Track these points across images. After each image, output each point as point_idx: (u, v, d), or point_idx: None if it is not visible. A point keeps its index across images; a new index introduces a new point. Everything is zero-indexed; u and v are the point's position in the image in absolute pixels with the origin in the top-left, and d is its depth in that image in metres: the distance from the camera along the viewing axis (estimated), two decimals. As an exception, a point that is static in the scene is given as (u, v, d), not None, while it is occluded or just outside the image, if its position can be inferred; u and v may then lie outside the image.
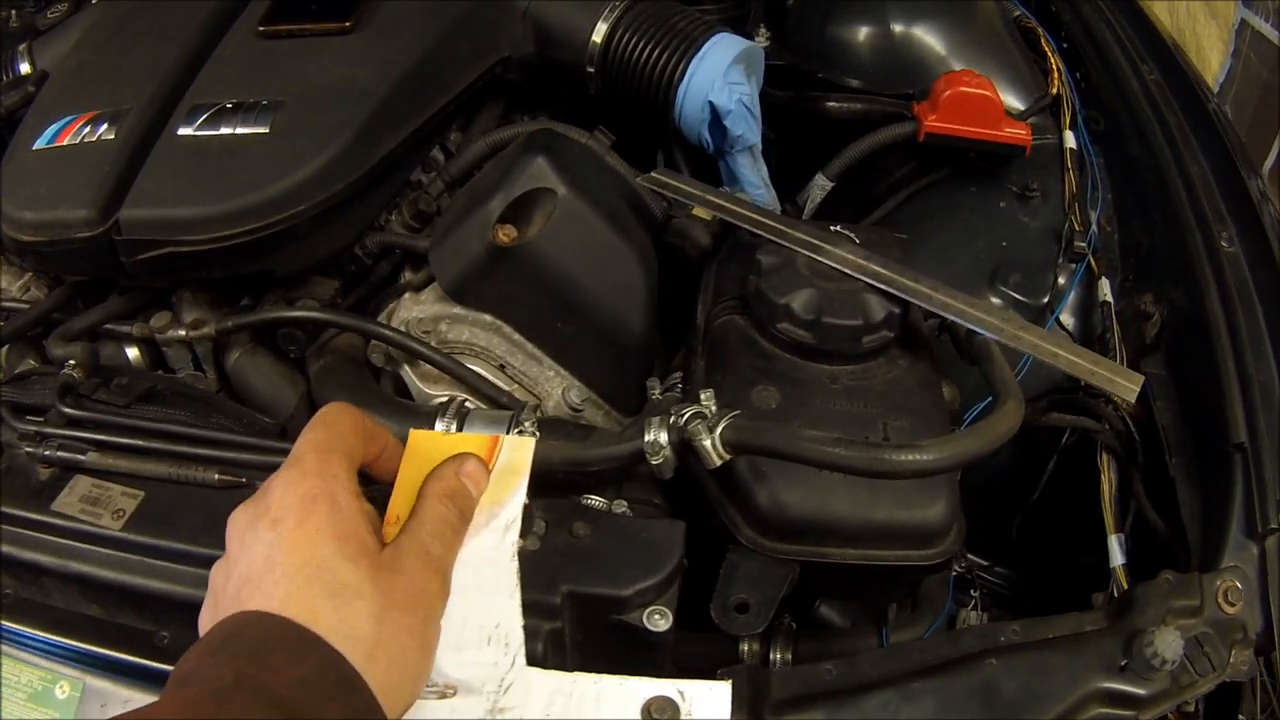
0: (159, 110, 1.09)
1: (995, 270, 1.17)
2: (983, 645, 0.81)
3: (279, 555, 0.65)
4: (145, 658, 0.83)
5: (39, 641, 0.85)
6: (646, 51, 1.16)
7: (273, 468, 0.81)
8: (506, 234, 1.00)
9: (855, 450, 0.77)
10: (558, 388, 1.05)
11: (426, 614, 0.69)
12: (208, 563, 0.80)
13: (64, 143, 1.10)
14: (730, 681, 0.72)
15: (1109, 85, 1.30)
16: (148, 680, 0.82)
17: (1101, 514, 1.01)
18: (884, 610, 1.04)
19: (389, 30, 1.13)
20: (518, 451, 0.81)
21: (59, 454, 0.92)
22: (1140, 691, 0.79)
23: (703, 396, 0.85)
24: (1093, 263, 1.17)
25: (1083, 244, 1.16)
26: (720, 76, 1.13)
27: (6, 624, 0.86)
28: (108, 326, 1.11)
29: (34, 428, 0.93)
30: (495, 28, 1.20)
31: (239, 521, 0.69)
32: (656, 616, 0.77)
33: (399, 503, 0.78)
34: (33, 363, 1.16)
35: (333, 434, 0.71)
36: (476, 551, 0.76)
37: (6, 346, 1.16)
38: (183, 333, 1.08)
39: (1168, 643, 0.79)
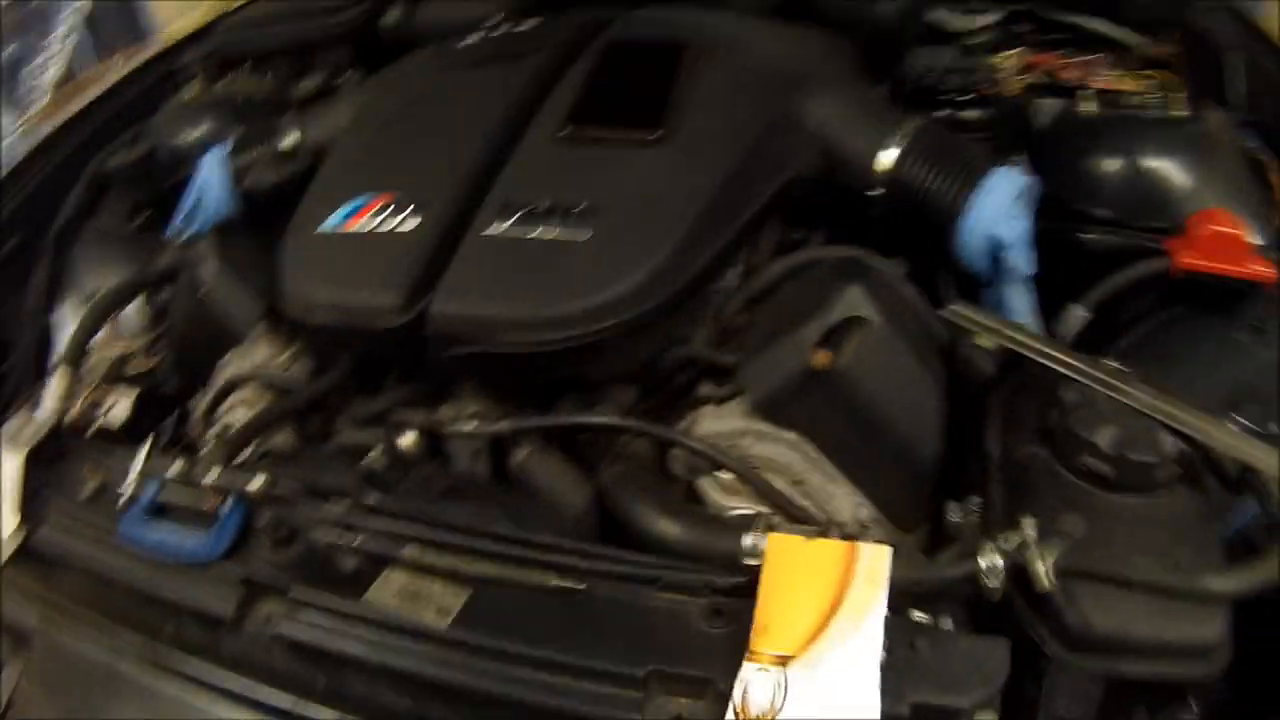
0: (462, 203, 1.17)
1: (1232, 401, 1.25)
2: None
3: None
4: None
5: None
6: (934, 180, 1.28)
7: (603, 574, 0.93)
8: (823, 359, 1.11)
9: (1173, 576, 0.92)
10: (849, 505, 1.13)
11: None
12: (542, 665, 0.91)
13: (359, 228, 1.17)
14: None
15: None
16: None
17: None
18: None
19: (697, 145, 1.22)
20: (877, 560, 0.92)
21: (371, 545, 0.98)
22: None
23: (1026, 526, 0.98)
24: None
25: (1315, 382, 1.28)
26: (1007, 209, 1.25)
27: (315, 712, 0.94)
28: (394, 417, 1.16)
29: (338, 516, 1.00)
30: (787, 147, 1.30)
31: None
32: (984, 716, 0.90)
33: (766, 611, 0.90)
34: (287, 437, 1.22)
35: None
36: (842, 659, 0.87)
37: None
38: (473, 426, 1.12)
39: None
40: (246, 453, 1.19)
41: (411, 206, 1.18)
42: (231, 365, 1.33)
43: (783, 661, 0.88)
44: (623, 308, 1.09)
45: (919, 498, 1.18)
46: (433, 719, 0.93)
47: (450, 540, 0.98)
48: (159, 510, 1.08)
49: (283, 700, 0.94)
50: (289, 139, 1.49)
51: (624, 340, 1.12)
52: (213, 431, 1.30)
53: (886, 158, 1.31)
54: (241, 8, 1.95)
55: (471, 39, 1.54)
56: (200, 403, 1.35)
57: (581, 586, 0.96)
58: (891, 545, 0.97)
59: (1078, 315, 1.33)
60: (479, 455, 1.16)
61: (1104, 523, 1.04)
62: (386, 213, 1.19)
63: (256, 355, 1.33)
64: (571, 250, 1.11)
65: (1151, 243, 1.36)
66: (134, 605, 1.05)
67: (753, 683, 0.87)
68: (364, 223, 1.19)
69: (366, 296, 1.13)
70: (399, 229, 1.17)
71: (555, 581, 0.96)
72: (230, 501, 1.04)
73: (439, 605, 0.94)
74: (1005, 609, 1.02)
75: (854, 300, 1.14)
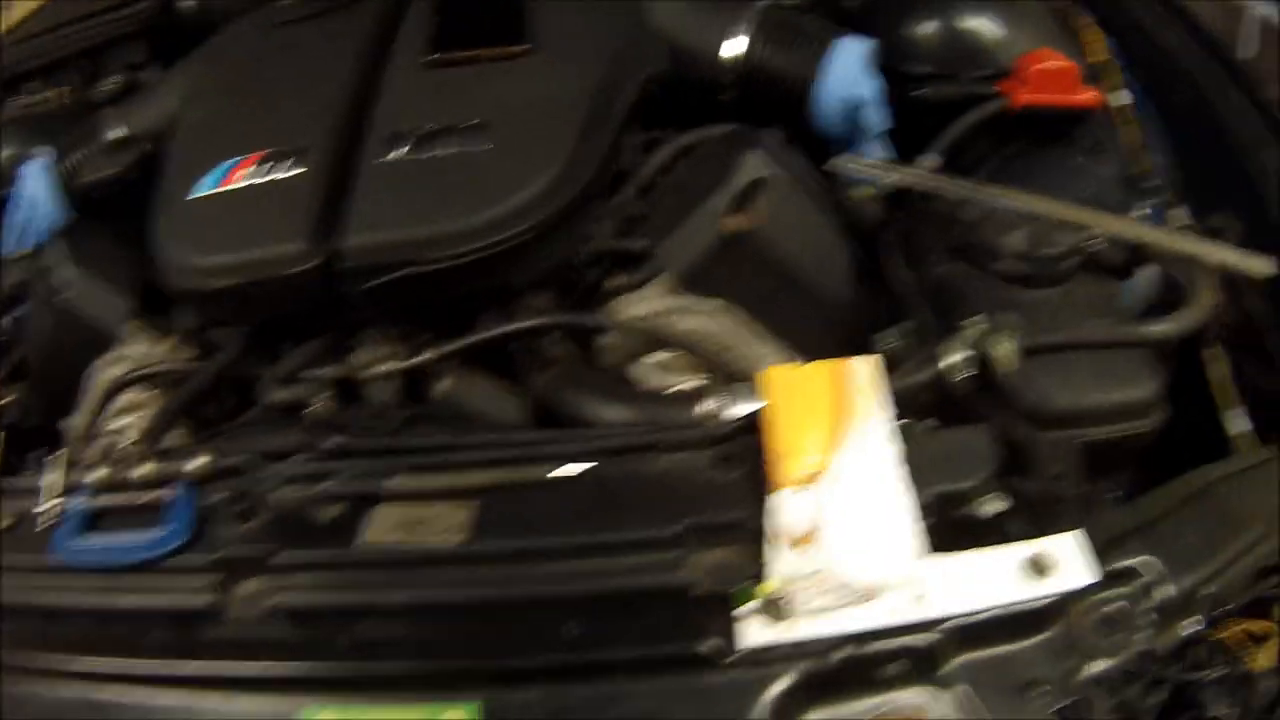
0: (343, 141, 1.18)
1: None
2: (1205, 481, 1.04)
3: None
4: (553, 652, 0.86)
5: (403, 675, 0.88)
6: (783, 59, 1.37)
7: (601, 452, 0.94)
8: (735, 223, 1.19)
9: (1119, 328, 1.05)
10: (780, 362, 1.16)
11: None
12: (577, 553, 0.89)
13: (236, 185, 1.17)
14: (1081, 530, 0.93)
15: (1143, 47, 1.58)
16: (555, 678, 0.86)
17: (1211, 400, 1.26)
18: None
19: (565, 51, 1.27)
20: (868, 369, 0.99)
21: (352, 486, 0.93)
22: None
23: (972, 323, 1.07)
24: (1167, 196, 1.43)
25: (1155, 181, 1.43)
26: (856, 73, 1.35)
27: (340, 670, 0.88)
28: (305, 374, 1.16)
29: (302, 468, 0.96)
30: (640, 46, 1.37)
31: None
32: (994, 502, 0.96)
33: (782, 438, 0.94)
34: (184, 436, 1.19)
35: None
36: (864, 465, 0.93)
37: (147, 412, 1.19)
38: (389, 366, 1.13)
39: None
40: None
41: (290, 157, 1.18)
42: (105, 370, 1.28)
43: (812, 480, 0.92)
44: (538, 208, 1.12)
45: (842, 344, 1.23)
46: (476, 643, 0.89)
47: (437, 460, 0.97)
48: (93, 521, 0.97)
49: (300, 670, 0.87)
50: (115, 132, 1.45)
51: (541, 242, 1.14)
52: (100, 445, 1.18)
53: (736, 45, 1.39)
54: (23, 22, 1.86)
55: None
56: (78, 420, 1.28)
57: (583, 469, 0.96)
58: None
59: (930, 162, 1.42)
60: (396, 394, 1.16)
61: (1033, 314, 1.15)
62: (265, 167, 1.18)
63: (134, 353, 1.29)
64: (477, 162, 1.14)
65: (984, 88, 1.48)
66: (94, 627, 0.94)
67: (789, 507, 0.90)
68: (241, 181, 1.18)
69: (269, 247, 1.12)
70: (284, 177, 1.17)
71: (557, 472, 0.95)
72: (177, 488, 0.96)
73: (446, 526, 0.90)
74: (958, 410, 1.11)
75: (755, 164, 1.22)
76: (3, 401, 1.38)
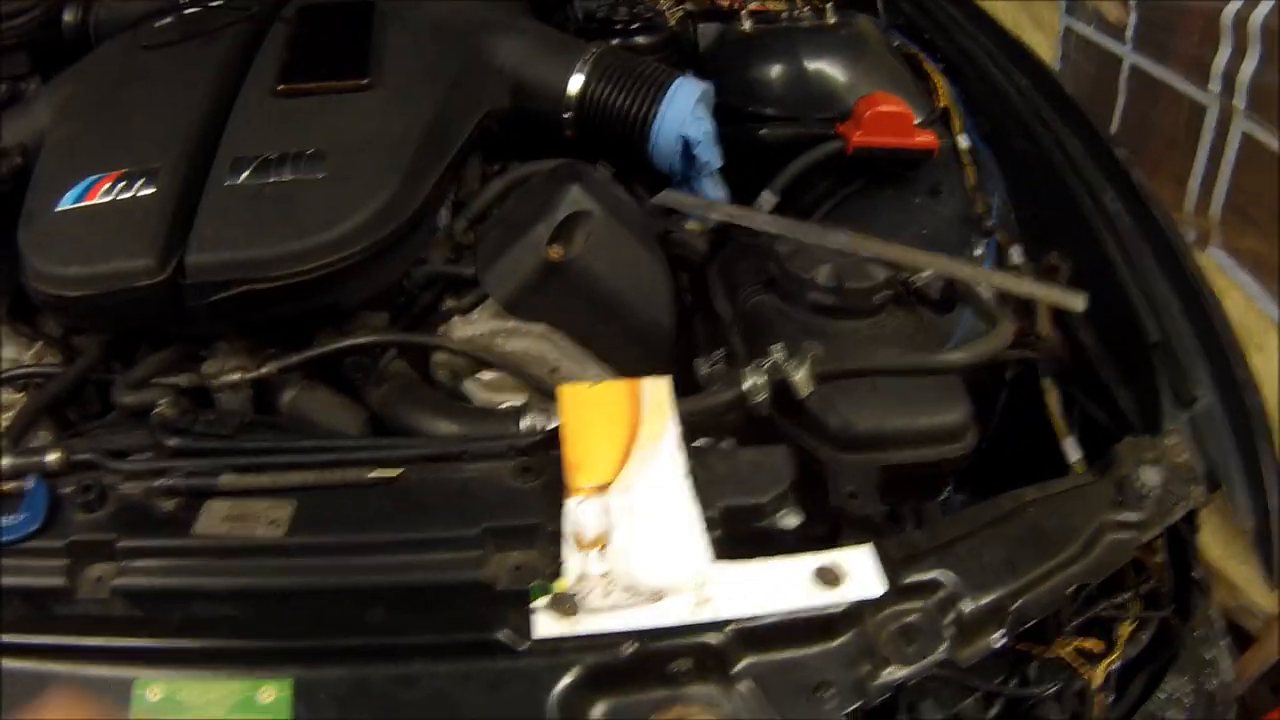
0: (192, 164, 1.21)
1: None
2: (1015, 504, 1.06)
3: None
4: (356, 636, 0.89)
5: (226, 650, 0.89)
6: (620, 97, 1.40)
7: (414, 459, 0.98)
8: (555, 252, 1.22)
9: (915, 358, 1.04)
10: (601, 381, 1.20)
11: None
12: (382, 549, 0.94)
13: (96, 201, 1.18)
14: (871, 544, 0.94)
15: (987, 93, 1.61)
16: (361, 659, 0.88)
17: (1050, 430, 1.29)
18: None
19: (403, 86, 1.31)
20: (658, 390, 1.02)
21: (188, 482, 0.98)
22: (1137, 517, 1.07)
23: (773, 350, 1.07)
24: (1001, 236, 1.47)
25: (991, 222, 1.47)
26: (689, 113, 1.38)
27: (176, 643, 0.89)
28: (157, 380, 1.19)
29: (145, 465, 1.00)
30: (481, 85, 1.40)
31: None
32: (789, 516, 0.98)
33: (573, 451, 0.98)
34: (46, 434, 1.20)
35: None
36: (652, 477, 0.96)
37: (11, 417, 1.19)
38: (237, 375, 1.16)
39: (1149, 475, 1.10)
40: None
41: (144, 176, 1.20)
42: None
43: (602, 489, 0.96)
44: (365, 233, 1.16)
45: (661, 366, 1.23)
46: (291, 625, 0.93)
47: (264, 461, 1.01)
48: None
49: (136, 644, 0.90)
50: None
51: (369, 265, 1.18)
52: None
53: (575, 83, 1.42)
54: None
55: (164, 20, 1.54)
56: None
57: (397, 474, 1.00)
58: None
59: (767, 199, 1.47)
60: (246, 402, 1.20)
61: (838, 343, 1.17)
62: (120, 186, 1.20)
63: (5, 356, 1.30)
64: (311, 189, 1.17)
65: (824, 130, 1.51)
66: None
67: (581, 513, 0.93)
68: (99, 198, 1.20)
69: (120, 262, 1.14)
70: (137, 196, 1.19)
71: (373, 474, 0.99)
72: (31, 480, 1.00)
73: (269, 519, 0.95)
74: (771, 432, 1.13)
75: (575, 197, 1.25)
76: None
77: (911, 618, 0.95)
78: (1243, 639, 2.01)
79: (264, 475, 1.00)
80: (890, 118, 1.48)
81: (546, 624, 0.87)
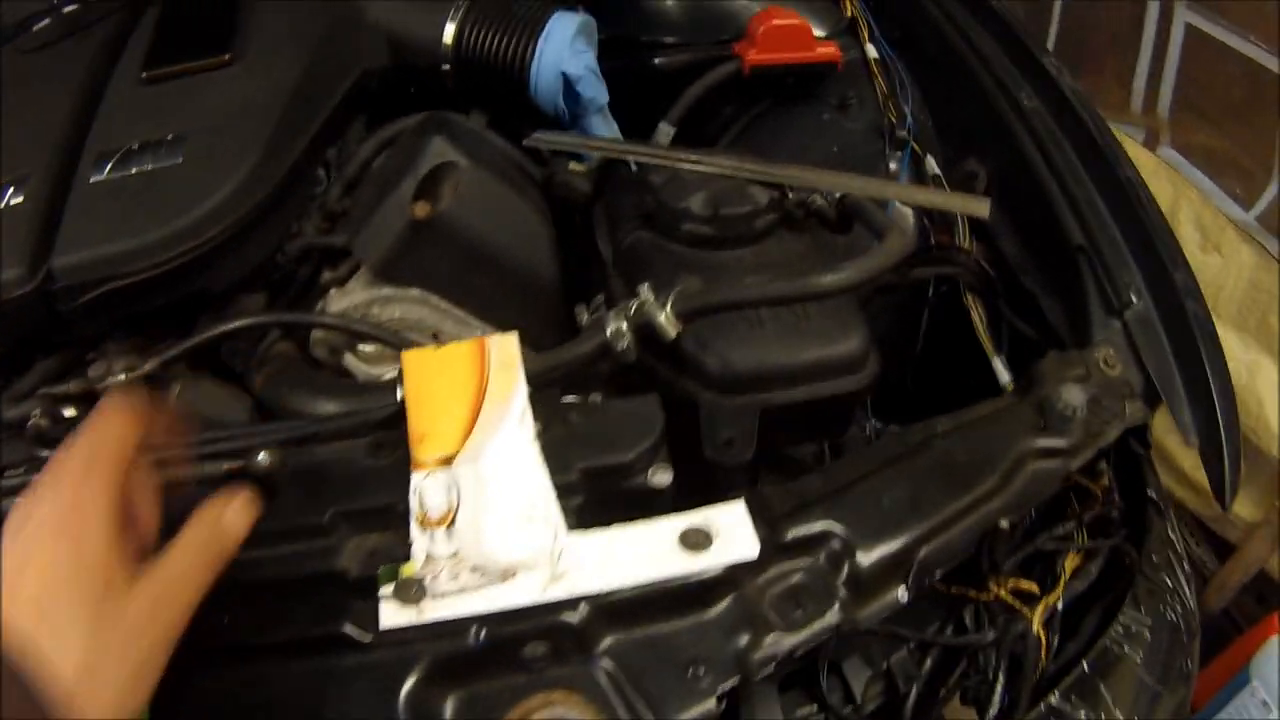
0: (61, 167, 1.13)
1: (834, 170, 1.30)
2: (926, 434, 0.95)
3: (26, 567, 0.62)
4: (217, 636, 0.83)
5: None
6: (496, 40, 1.27)
7: (275, 443, 0.86)
8: (422, 209, 1.10)
9: (789, 283, 0.90)
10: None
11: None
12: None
13: None
14: (743, 500, 0.83)
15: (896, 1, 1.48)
16: (212, 664, 0.83)
17: (979, 347, 1.17)
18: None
19: (265, 57, 1.20)
20: (505, 348, 0.90)
21: None
22: (1062, 442, 0.95)
23: (642, 291, 0.95)
24: (915, 146, 1.33)
25: (903, 132, 1.33)
26: (567, 48, 1.25)
27: None
28: (45, 390, 1.11)
29: (19, 480, 0.96)
30: (351, 44, 1.29)
31: (11, 517, 0.65)
32: (660, 474, 0.87)
33: (418, 422, 0.87)
34: None
35: (100, 439, 0.67)
36: (499, 444, 0.85)
37: None
38: (123, 376, 1.09)
39: (1073, 393, 0.96)
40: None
41: (13, 185, 1.12)
42: None
43: (447, 462, 0.85)
44: (224, 214, 1.07)
45: (550, 319, 1.18)
46: None
47: None
48: None
49: None
50: None
51: (234, 245, 1.09)
52: None
53: (449, 31, 1.29)
54: None
55: (42, 23, 1.43)
56: None
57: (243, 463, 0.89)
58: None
59: (664, 131, 1.35)
60: None
61: (719, 275, 1.04)
62: None
63: None
64: (168, 176, 1.08)
65: (719, 52, 1.37)
66: None
67: (425, 490, 0.83)
68: None
69: None
70: (6, 207, 1.11)
71: (227, 465, 0.88)
72: None
73: None
74: (649, 377, 1.02)
75: (439, 149, 1.14)
76: None
77: (796, 577, 0.85)
78: (1224, 549, 1.87)
79: None
80: (786, 31, 1.34)
81: (391, 613, 0.79)
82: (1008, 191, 1.23)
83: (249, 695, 0.82)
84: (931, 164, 1.31)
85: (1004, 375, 1.13)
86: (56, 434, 1.02)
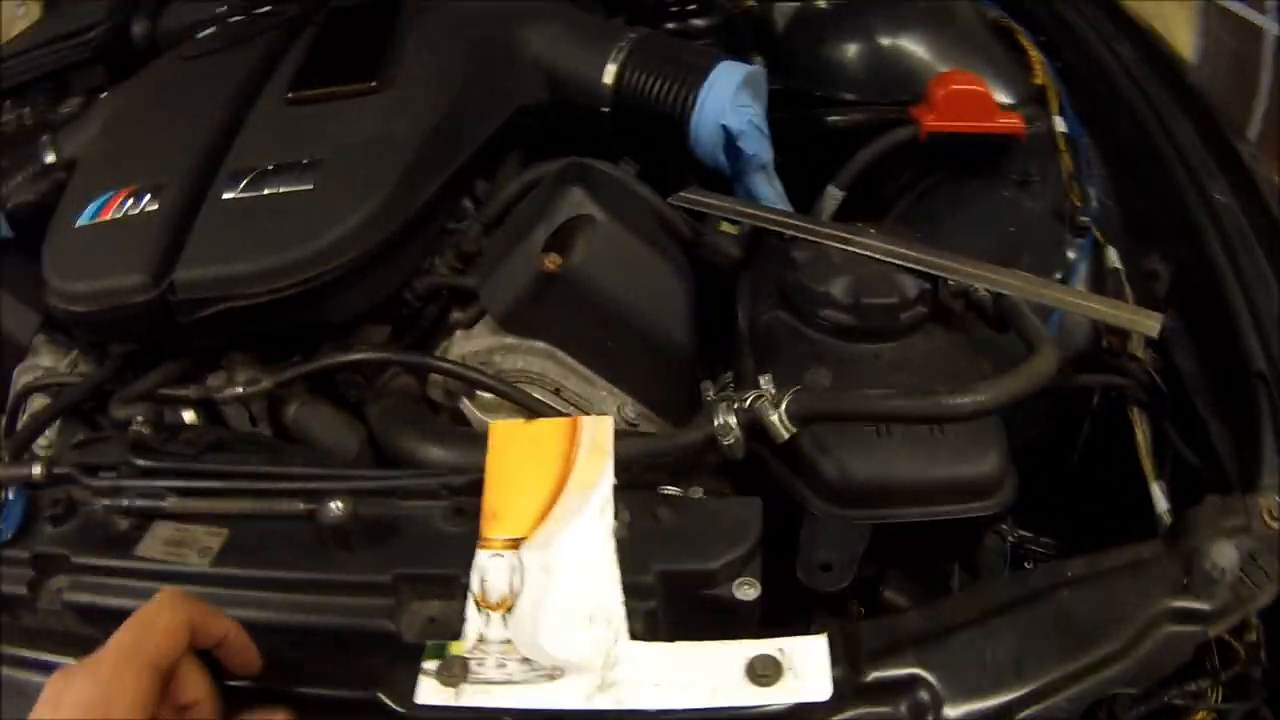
0: (198, 179, 1.13)
1: (1007, 253, 1.18)
2: (1051, 581, 0.82)
3: None
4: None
5: None
6: (657, 86, 1.20)
7: (359, 493, 0.86)
8: (552, 262, 1.03)
9: (914, 400, 0.80)
10: (612, 406, 1.07)
11: None
12: (301, 588, 0.85)
13: (107, 217, 1.13)
14: (826, 634, 0.74)
15: (1089, 71, 1.34)
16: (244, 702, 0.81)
17: (1139, 468, 1.03)
18: (948, 587, 1.06)
19: (413, 87, 1.16)
20: (599, 431, 0.83)
21: (138, 503, 0.93)
22: (1205, 606, 0.81)
23: (762, 381, 0.87)
24: (1098, 235, 1.20)
25: (1085, 218, 1.20)
26: (729, 101, 1.16)
27: None
28: (164, 392, 1.13)
29: (109, 483, 0.95)
30: (509, 79, 1.24)
31: (49, 687, 0.68)
32: (746, 587, 0.79)
33: (494, 498, 0.81)
34: (59, 441, 1.17)
35: (142, 637, 0.69)
36: (573, 534, 0.78)
37: (59, 421, 1.18)
38: (240, 389, 1.09)
39: (1224, 553, 0.82)
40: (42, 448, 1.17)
41: (150, 192, 1.14)
42: (20, 378, 1.27)
43: (514, 545, 0.80)
44: (346, 248, 1.03)
45: (682, 387, 1.10)
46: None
47: (206, 486, 0.94)
48: None
49: (61, 659, 0.87)
50: (47, 158, 1.40)
51: (358, 278, 1.05)
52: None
53: (609, 73, 1.22)
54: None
55: (208, 30, 1.45)
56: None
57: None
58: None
59: (832, 195, 1.26)
60: (259, 417, 1.13)
61: (853, 371, 0.95)
62: (129, 202, 1.14)
63: (41, 363, 1.27)
64: (297, 202, 1.06)
65: (896, 114, 1.27)
66: None
67: (488, 570, 0.78)
68: (112, 213, 1.14)
69: (117, 279, 1.08)
70: (142, 213, 1.12)
71: (303, 506, 0.90)
72: (12, 491, 0.99)
73: (200, 547, 0.90)
74: (761, 473, 0.93)
75: (575, 200, 1.06)
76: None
77: None
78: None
79: (204, 500, 0.93)
80: (968, 97, 1.23)
81: (429, 691, 0.75)
82: (1189, 297, 1.09)
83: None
84: (1113, 256, 1.17)
85: (1162, 503, 0.99)
86: (155, 442, 1.02)
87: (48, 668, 0.87)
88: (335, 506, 0.84)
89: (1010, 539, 1.14)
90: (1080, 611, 0.80)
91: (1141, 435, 1.05)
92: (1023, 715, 0.76)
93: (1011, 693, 0.76)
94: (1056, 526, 1.16)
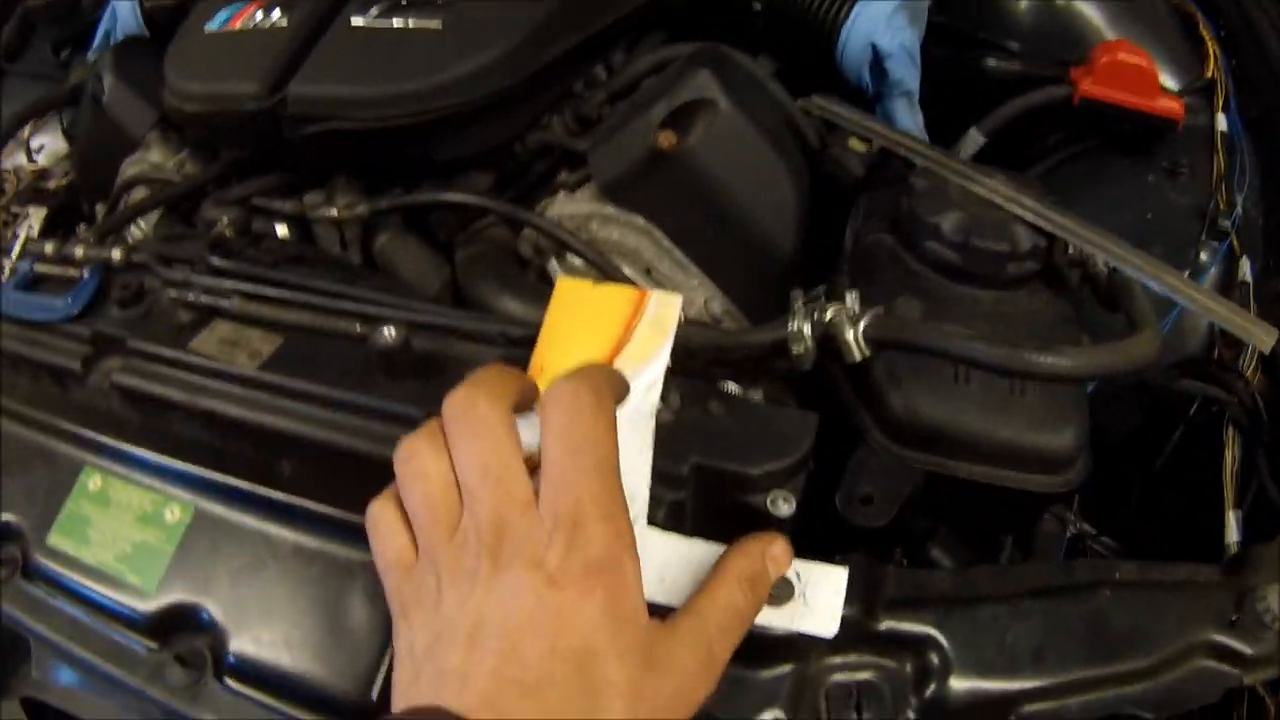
0: (328, 2, 1.10)
1: (1138, 241, 1.08)
2: (1096, 577, 0.76)
3: (544, 629, 0.54)
4: (264, 485, 0.81)
5: (152, 464, 0.85)
6: None
7: (416, 325, 0.83)
8: (668, 139, 0.97)
9: (994, 347, 0.72)
10: (701, 296, 1.01)
11: None
12: (340, 407, 0.82)
13: (236, 27, 1.12)
14: (848, 567, 0.68)
15: (1264, 75, 1.23)
16: (262, 508, 0.80)
17: (1221, 489, 0.95)
18: (996, 561, 0.99)
19: None
20: (666, 308, 0.77)
21: (202, 299, 0.92)
22: (1248, 650, 0.73)
23: (848, 297, 0.79)
24: (1235, 243, 1.10)
25: (1226, 223, 1.10)
26: (885, 19, 1.08)
27: (123, 446, 0.86)
28: (259, 202, 1.12)
29: (181, 275, 0.95)
30: None
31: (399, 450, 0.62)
32: (781, 501, 0.73)
33: (544, 353, 0.76)
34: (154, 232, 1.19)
35: (609, 463, 0.61)
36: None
37: (158, 216, 1.19)
38: (335, 211, 1.07)
39: (1280, 599, 0.73)
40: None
41: (280, 7, 1.12)
42: (127, 169, 1.27)
43: None
44: (461, 90, 0.99)
45: (775, 294, 1.01)
46: (240, 456, 0.85)
47: (271, 294, 0.92)
48: (34, 283, 1.04)
49: (107, 442, 0.88)
50: None
51: (469, 121, 1.02)
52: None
53: None
54: None
55: None
56: (101, 208, 1.33)
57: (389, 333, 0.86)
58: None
59: (973, 138, 1.18)
60: (351, 242, 1.12)
61: (946, 310, 0.87)
62: (260, 14, 1.13)
63: (150, 158, 1.27)
64: (422, 38, 1.03)
65: (1053, 71, 1.17)
66: (10, 371, 1.00)
67: (518, 425, 0.70)
68: (242, 23, 1.13)
69: (232, 85, 1.07)
70: (270, 26, 1.11)
71: (359, 328, 0.88)
72: (88, 270, 1.00)
73: (251, 350, 0.89)
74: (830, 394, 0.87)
75: (702, 83, 1.00)
76: (61, 184, 1.47)
77: (870, 674, 0.70)
78: None
79: (267, 306, 0.91)
80: (1130, 70, 1.12)
81: None
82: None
83: (276, 557, 0.80)
84: (1245, 269, 1.08)
85: (1234, 534, 0.91)
86: (236, 246, 1.02)
87: (68, 436, 0.91)
88: (389, 332, 0.81)
89: (1072, 529, 1.06)
90: (1117, 617, 0.73)
91: (1230, 457, 0.97)
92: (1030, 708, 0.70)
93: (1024, 681, 0.70)
94: (1122, 528, 1.08)
